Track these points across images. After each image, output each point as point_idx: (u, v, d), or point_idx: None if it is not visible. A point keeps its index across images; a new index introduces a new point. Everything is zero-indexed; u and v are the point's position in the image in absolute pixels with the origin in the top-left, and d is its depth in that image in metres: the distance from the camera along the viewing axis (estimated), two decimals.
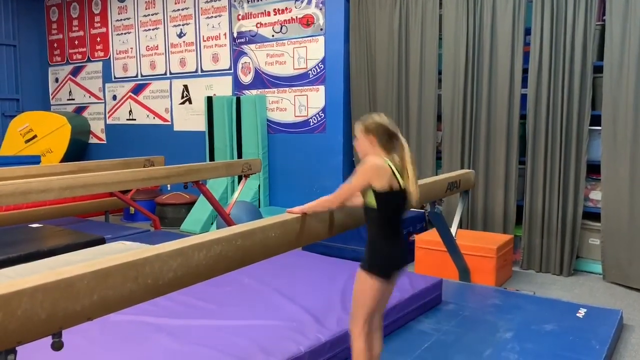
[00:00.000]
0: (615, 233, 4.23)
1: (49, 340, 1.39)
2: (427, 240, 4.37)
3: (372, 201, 2.03)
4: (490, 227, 4.83)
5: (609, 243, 4.28)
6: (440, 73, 5.08)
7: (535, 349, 2.77)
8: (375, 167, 2.00)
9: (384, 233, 2.05)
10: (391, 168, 2.02)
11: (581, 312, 3.29)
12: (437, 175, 4.68)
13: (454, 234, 3.77)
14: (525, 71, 4.63)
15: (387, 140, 2.06)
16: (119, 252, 2.69)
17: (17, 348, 1.31)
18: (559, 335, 2.95)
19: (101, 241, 4.34)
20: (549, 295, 3.89)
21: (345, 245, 4.82)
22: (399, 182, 2.02)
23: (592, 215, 4.52)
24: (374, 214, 2.04)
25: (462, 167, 4.89)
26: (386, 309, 2.90)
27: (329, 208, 2.22)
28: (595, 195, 4.52)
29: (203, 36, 6.79)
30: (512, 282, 4.31)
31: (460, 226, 3.99)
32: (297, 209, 2.20)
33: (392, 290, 2.17)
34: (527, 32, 4.63)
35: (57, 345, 1.40)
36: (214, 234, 1.88)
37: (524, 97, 4.66)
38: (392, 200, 2.02)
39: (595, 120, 4.38)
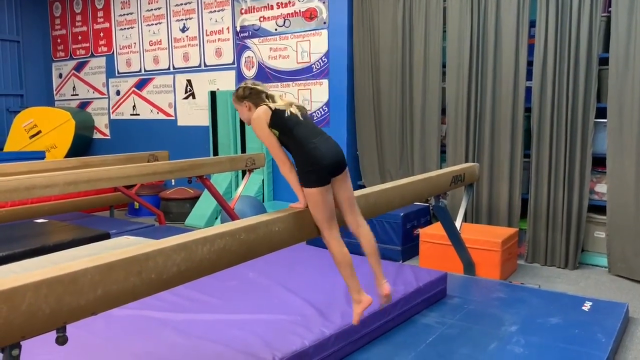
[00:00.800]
0: (620, 226, 4.21)
1: (52, 335, 1.39)
2: (431, 234, 4.36)
3: (278, 136, 2.20)
4: (495, 221, 4.82)
5: (614, 236, 4.26)
6: (444, 66, 5.05)
7: (541, 342, 2.76)
8: (256, 118, 2.21)
9: (297, 150, 2.19)
10: (266, 106, 2.21)
11: (587, 306, 3.28)
12: (441, 168, 4.66)
13: (458, 228, 3.76)
14: (530, 64, 4.60)
15: (257, 97, 2.25)
16: (124, 247, 2.70)
17: (21, 343, 1.31)
18: (564, 329, 2.94)
19: (106, 236, 4.35)
20: (554, 289, 3.87)
21: (348, 238, 4.81)
22: (277, 109, 2.20)
23: (598, 208, 4.49)
24: (284, 141, 2.20)
25: (466, 161, 4.87)
26: (391, 302, 2.91)
27: (289, 174, 2.25)
28: (601, 188, 4.49)
29: (206, 30, 6.77)
30: (517, 275, 4.30)
31: (464, 220, 3.97)
32: (299, 204, 2.22)
33: (345, 186, 2.27)
34: (532, 24, 4.59)
35: (62, 340, 1.41)
36: (218, 228, 1.87)
37: (528, 90, 4.63)
38: (284, 124, 2.18)
39: (601, 112, 4.35)
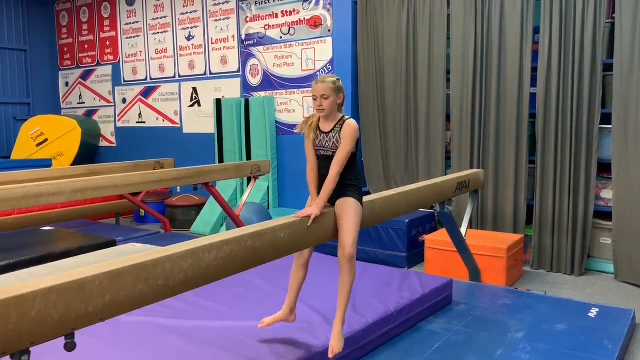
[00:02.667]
0: (627, 232, 4.20)
1: (61, 341, 1.40)
2: (437, 240, 4.36)
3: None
4: (501, 227, 4.81)
5: (620, 242, 4.24)
6: (448, 72, 5.07)
7: (547, 349, 2.75)
8: (356, 127, 2.32)
9: (354, 167, 2.37)
10: None
11: (593, 312, 3.27)
12: (446, 175, 4.67)
13: (463, 234, 3.76)
14: (534, 70, 4.60)
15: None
16: (130, 254, 2.72)
17: (30, 349, 1.32)
18: (571, 335, 2.93)
19: (112, 243, 4.37)
20: (560, 295, 3.86)
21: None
22: None
23: (604, 214, 4.48)
24: (352, 158, 2.33)
25: (471, 167, 4.87)
26: (396, 309, 2.91)
27: (335, 181, 2.32)
28: (607, 194, 4.48)
29: (211, 39, 6.82)
30: (523, 282, 4.29)
31: (470, 226, 3.97)
32: (311, 212, 2.22)
33: None
34: (536, 30, 4.60)
35: (70, 346, 1.42)
36: (224, 235, 1.89)
37: (533, 96, 4.63)
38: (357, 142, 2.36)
39: (606, 118, 4.35)
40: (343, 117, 2.36)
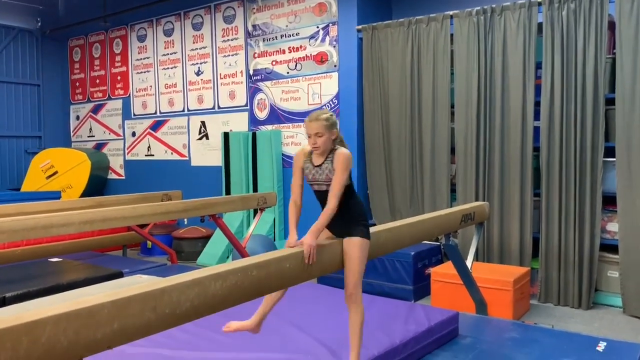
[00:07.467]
0: (634, 265, 4.18)
1: None
2: (442, 273, 4.35)
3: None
4: (507, 260, 4.80)
5: (628, 275, 4.22)
6: (452, 107, 5.14)
7: None
8: (350, 156, 2.30)
9: (353, 199, 2.35)
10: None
11: (601, 346, 3.23)
12: (452, 207, 4.69)
13: (469, 267, 3.75)
14: (537, 104, 4.67)
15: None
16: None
17: None
18: None
19: (119, 275, 4.39)
20: (567, 329, 3.82)
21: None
22: None
23: (610, 247, 4.47)
24: (349, 190, 2.32)
25: (476, 200, 4.89)
26: (402, 342, 2.90)
27: (332, 214, 2.31)
28: (613, 227, 4.48)
29: (220, 74, 6.96)
30: (529, 315, 4.25)
31: (476, 259, 3.97)
32: (305, 242, 2.20)
33: None
34: (538, 65, 4.69)
35: None
36: (230, 264, 1.91)
37: (537, 130, 4.69)
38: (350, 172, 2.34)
39: (610, 151, 4.38)
40: (334, 148, 2.34)
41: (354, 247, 2.30)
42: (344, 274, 2.35)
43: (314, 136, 2.29)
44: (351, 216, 2.33)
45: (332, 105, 5.88)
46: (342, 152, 2.30)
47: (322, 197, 2.35)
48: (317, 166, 2.34)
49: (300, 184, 2.37)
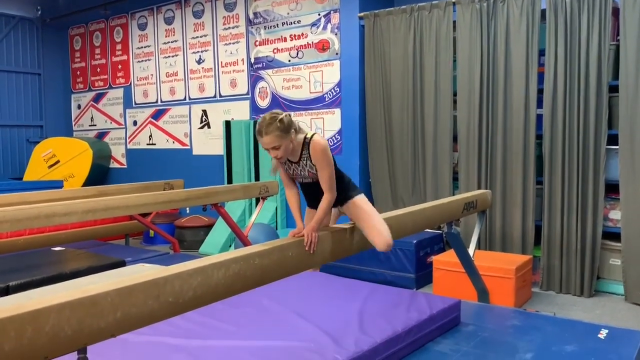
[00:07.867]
0: (636, 253, 4.18)
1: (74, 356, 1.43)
2: (444, 261, 4.36)
3: None
4: (509, 248, 4.80)
5: (630, 263, 4.22)
6: (455, 94, 5.12)
7: None
8: (326, 145, 2.16)
9: (344, 177, 2.35)
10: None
11: (603, 333, 3.23)
12: (454, 195, 4.68)
13: (471, 255, 3.76)
14: (540, 91, 4.64)
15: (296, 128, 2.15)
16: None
17: None
18: (580, 357, 2.90)
19: (121, 264, 4.39)
20: (569, 317, 3.83)
21: (361, 266, 4.83)
22: None
23: (613, 235, 4.47)
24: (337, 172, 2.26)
25: (479, 188, 4.88)
26: (404, 330, 2.91)
27: (332, 202, 2.27)
28: (615, 214, 4.47)
29: (221, 62, 6.93)
30: (531, 303, 4.26)
31: (478, 247, 3.98)
32: (307, 232, 2.18)
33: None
34: (541, 52, 4.65)
35: None
36: (233, 253, 1.91)
37: (539, 117, 4.67)
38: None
39: (613, 139, 4.37)
40: (305, 137, 2.16)
41: (362, 204, 2.32)
42: (368, 235, 2.34)
43: (272, 150, 2.09)
44: (343, 189, 2.30)
45: (334, 94, 5.85)
46: (316, 145, 2.12)
47: (308, 188, 2.29)
48: (295, 162, 2.22)
49: (286, 174, 2.30)
